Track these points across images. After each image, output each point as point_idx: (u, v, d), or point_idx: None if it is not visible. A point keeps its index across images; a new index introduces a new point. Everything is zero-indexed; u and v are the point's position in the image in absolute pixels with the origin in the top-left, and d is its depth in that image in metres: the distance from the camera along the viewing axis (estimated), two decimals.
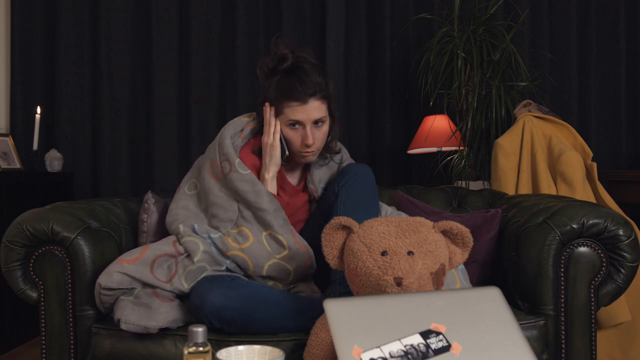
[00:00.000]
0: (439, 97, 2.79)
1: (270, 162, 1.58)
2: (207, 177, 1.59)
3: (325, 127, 1.60)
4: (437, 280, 1.18)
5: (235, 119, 1.68)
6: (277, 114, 1.58)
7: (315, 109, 1.55)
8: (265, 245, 1.50)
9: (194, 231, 1.52)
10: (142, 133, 3.16)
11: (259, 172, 1.61)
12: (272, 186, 1.58)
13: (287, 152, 1.60)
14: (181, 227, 1.53)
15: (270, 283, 1.52)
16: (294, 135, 1.57)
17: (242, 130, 1.64)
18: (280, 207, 1.53)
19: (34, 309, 1.51)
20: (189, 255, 1.48)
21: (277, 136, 1.58)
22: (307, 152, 1.59)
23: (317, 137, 1.58)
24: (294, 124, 1.56)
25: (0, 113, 3.14)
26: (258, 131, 1.64)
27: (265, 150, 1.59)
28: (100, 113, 3.12)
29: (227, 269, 1.52)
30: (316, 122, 1.57)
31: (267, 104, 1.60)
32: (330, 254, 1.25)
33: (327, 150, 1.68)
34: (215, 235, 1.51)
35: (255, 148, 1.63)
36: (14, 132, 3.08)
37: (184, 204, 1.61)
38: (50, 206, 1.54)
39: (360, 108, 3.17)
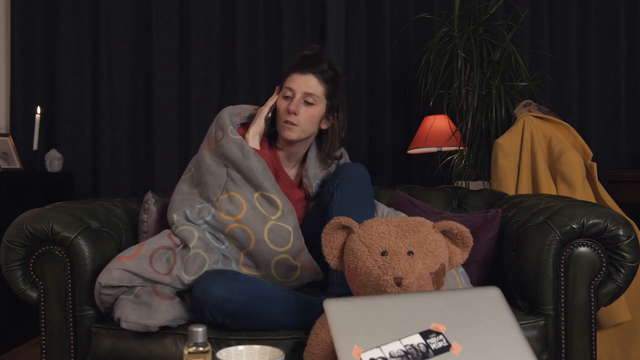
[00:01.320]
0: (439, 97, 2.79)
1: (253, 124, 1.65)
2: (202, 151, 1.64)
3: (315, 111, 1.62)
4: (437, 280, 1.18)
5: (238, 105, 1.74)
6: (281, 90, 1.67)
7: (310, 83, 1.61)
8: (259, 209, 1.52)
9: (187, 219, 1.54)
10: (142, 133, 3.16)
11: None
12: (253, 142, 1.62)
13: (269, 115, 1.65)
14: (175, 217, 1.55)
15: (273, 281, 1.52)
16: (283, 104, 1.63)
17: (240, 112, 1.70)
18: (267, 167, 1.56)
19: (34, 309, 1.51)
20: (185, 246, 1.49)
21: (270, 103, 1.66)
22: (288, 121, 1.60)
23: (302, 112, 1.61)
24: (287, 93, 1.62)
25: (0, 113, 3.14)
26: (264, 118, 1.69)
27: (255, 117, 1.66)
28: (100, 113, 3.12)
29: (223, 256, 1.52)
30: (307, 101, 1.61)
31: (277, 87, 1.69)
32: (330, 254, 1.25)
33: (327, 156, 1.71)
34: (207, 217, 1.53)
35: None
36: (14, 132, 3.08)
37: (179, 189, 1.66)
38: (50, 206, 1.54)
39: (360, 108, 3.17)
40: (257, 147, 1.62)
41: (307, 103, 1.61)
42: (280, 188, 1.58)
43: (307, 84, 1.61)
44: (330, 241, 1.25)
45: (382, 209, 1.75)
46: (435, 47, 2.76)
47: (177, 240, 1.51)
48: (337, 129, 1.69)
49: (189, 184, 1.65)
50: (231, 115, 1.66)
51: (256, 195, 1.54)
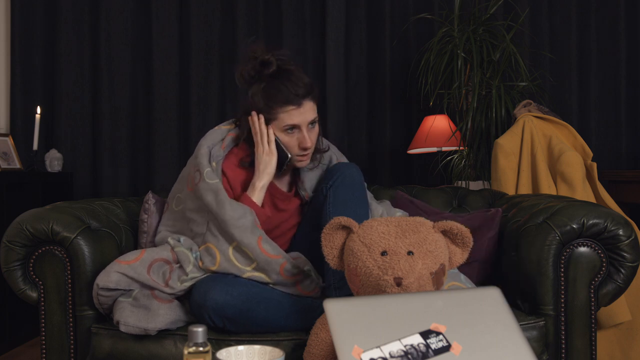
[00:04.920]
0: (439, 97, 2.79)
1: (264, 171, 1.52)
2: (186, 191, 1.57)
3: (317, 127, 1.58)
4: (437, 280, 1.18)
5: (215, 127, 1.63)
6: (268, 121, 1.53)
7: (309, 110, 1.52)
8: (234, 262, 1.44)
9: (180, 243, 1.52)
10: (142, 133, 3.16)
11: (246, 186, 1.56)
12: (258, 196, 1.52)
13: (289, 155, 1.54)
14: (170, 240, 1.52)
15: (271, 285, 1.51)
16: (290, 140, 1.53)
17: (223, 139, 1.59)
18: (247, 213, 1.45)
19: (34, 309, 1.51)
20: (181, 266, 1.47)
21: (273, 145, 1.53)
22: (304, 155, 1.56)
23: (312, 138, 1.55)
24: (290, 128, 1.52)
25: (0, 113, 3.14)
26: (244, 139, 1.58)
27: (260, 159, 1.53)
28: (100, 113, 3.12)
29: None
30: (310, 124, 1.54)
31: (253, 112, 1.53)
32: (330, 254, 1.25)
33: (316, 151, 1.64)
34: (194, 254, 1.49)
35: (239, 159, 1.58)
36: (14, 132, 3.08)
37: (171, 226, 1.60)
38: (50, 206, 1.54)
39: (360, 108, 3.17)
40: (260, 202, 1.52)
41: (312, 126, 1.55)
42: (257, 238, 1.44)
43: (308, 113, 1.52)
44: (330, 241, 1.25)
45: (375, 207, 1.69)
46: (435, 47, 2.76)
47: (176, 256, 1.50)
48: (320, 128, 1.63)
49: (180, 220, 1.58)
50: (211, 147, 1.55)
51: (231, 248, 1.44)
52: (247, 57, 1.54)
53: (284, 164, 1.56)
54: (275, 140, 1.54)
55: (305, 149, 1.54)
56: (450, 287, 1.47)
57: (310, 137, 1.53)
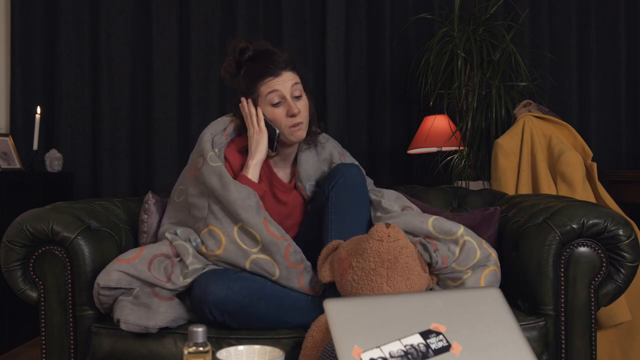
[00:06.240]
0: (439, 97, 2.79)
1: (256, 150, 1.56)
2: (188, 178, 1.59)
3: (305, 100, 1.59)
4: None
5: (218, 119, 1.68)
6: (255, 102, 1.57)
7: (289, 78, 1.56)
8: (239, 244, 1.44)
9: (178, 236, 1.52)
10: (142, 133, 3.16)
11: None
12: (253, 173, 1.55)
13: (277, 131, 1.57)
14: (168, 235, 1.53)
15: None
16: (278, 112, 1.56)
17: (225, 128, 1.63)
18: (251, 195, 1.47)
19: (34, 309, 1.51)
20: (182, 259, 1.47)
21: (262, 123, 1.57)
22: (295, 124, 1.56)
23: (300, 107, 1.56)
24: (274, 100, 1.54)
25: (0, 113, 3.14)
26: (242, 129, 1.63)
27: (252, 140, 1.57)
28: (100, 113, 3.12)
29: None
30: (296, 95, 1.56)
31: (242, 98, 1.59)
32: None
33: (311, 133, 1.66)
34: (194, 242, 1.49)
35: (240, 147, 1.61)
36: (14, 132, 3.08)
37: (173, 217, 1.61)
38: (50, 206, 1.54)
39: (360, 108, 3.17)
40: (256, 179, 1.55)
41: (297, 97, 1.57)
42: (262, 219, 1.46)
43: (289, 81, 1.55)
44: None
45: (389, 196, 1.66)
46: (435, 47, 2.76)
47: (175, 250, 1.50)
48: (312, 104, 1.64)
49: (183, 211, 1.59)
50: (214, 135, 1.59)
51: (236, 228, 1.45)
52: (228, 54, 1.60)
53: (275, 140, 1.58)
54: (264, 119, 1.57)
55: (293, 116, 1.55)
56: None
57: (296, 105, 1.55)
